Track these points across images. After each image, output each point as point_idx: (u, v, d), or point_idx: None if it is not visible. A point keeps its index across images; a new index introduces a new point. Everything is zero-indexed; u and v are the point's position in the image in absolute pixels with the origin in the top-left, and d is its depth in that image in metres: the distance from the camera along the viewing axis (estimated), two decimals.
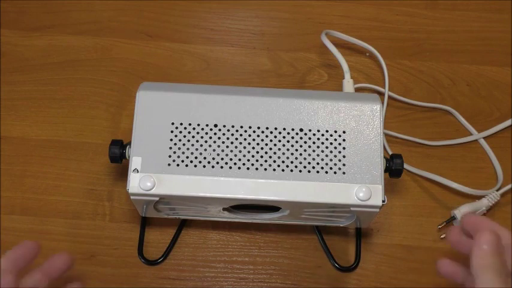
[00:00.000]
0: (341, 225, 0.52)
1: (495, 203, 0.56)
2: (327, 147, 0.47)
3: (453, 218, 0.55)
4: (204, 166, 0.46)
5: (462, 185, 0.56)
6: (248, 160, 0.46)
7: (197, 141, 0.46)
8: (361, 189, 0.45)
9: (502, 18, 0.67)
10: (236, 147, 0.46)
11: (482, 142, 0.60)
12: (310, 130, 0.47)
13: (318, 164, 0.46)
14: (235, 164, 0.46)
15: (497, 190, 0.56)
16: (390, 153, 0.58)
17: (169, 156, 0.46)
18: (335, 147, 0.47)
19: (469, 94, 0.63)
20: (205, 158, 0.46)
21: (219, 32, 0.65)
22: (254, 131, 0.47)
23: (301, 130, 0.47)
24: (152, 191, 0.45)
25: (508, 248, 0.39)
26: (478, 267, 0.37)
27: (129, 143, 0.47)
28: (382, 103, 0.52)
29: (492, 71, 0.64)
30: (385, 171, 0.48)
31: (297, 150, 0.46)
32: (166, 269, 0.54)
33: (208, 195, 0.45)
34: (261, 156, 0.46)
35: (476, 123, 0.61)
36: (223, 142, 0.46)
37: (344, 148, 0.47)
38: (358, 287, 0.53)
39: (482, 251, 0.37)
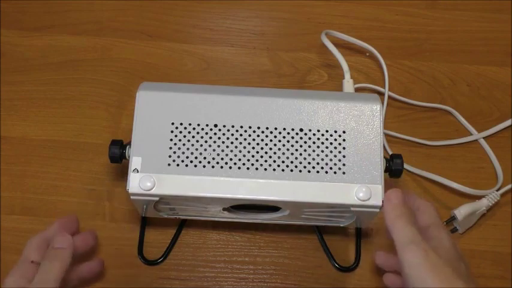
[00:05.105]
0: (341, 225, 0.52)
1: (495, 203, 0.56)
2: (327, 147, 0.47)
3: (453, 218, 0.55)
4: (204, 166, 0.46)
5: (462, 185, 0.56)
6: (248, 160, 0.46)
7: (197, 141, 0.46)
8: (361, 189, 0.45)
9: (502, 18, 0.67)
10: (236, 147, 0.46)
11: (482, 142, 0.60)
12: (310, 130, 0.47)
13: (318, 164, 0.46)
14: (235, 164, 0.46)
15: (497, 190, 0.56)
16: (390, 153, 0.58)
17: (169, 156, 0.46)
18: (335, 147, 0.47)
19: (469, 94, 0.63)
20: (205, 158, 0.46)
21: (219, 32, 0.65)
22: (254, 131, 0.47)
23: (301, 130, 0.47)
24: (152, 191, 0.45)
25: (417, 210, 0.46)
26: (392, 218, 0.42)
27: (129, 143, 0.47)
28: (382, 103, 0.52)
29: (492, 71, 0.64)
30: (385, 171, 0.48)
31: (297, 150, 0.46)
32: (166, 269, 0.54)
33: (208, 195, 0.45)
34: (261, 156, 0.46)
35: (476, 123, 0.61)
36: (223, 142, 0.46)
37: (344, 148, 0.47)
38: (358, 287, 0.54)
39: (393, 204, 0.43)
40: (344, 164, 0.46)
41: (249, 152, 0.46)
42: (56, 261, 0.44)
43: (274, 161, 0.46)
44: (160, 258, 0.54)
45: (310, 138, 0.47)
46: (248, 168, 0.46)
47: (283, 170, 0.46)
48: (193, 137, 0.46)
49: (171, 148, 0.46)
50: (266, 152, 0.46)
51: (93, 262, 0.52)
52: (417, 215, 0.45)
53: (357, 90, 0.60)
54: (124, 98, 0.61)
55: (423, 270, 0.39)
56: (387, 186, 0.45)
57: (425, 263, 0.39)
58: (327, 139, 0.47)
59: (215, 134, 0.47)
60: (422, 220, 0.45)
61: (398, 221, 0.42)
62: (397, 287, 0.49)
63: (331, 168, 0.46)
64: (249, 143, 0.46)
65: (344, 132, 0.47)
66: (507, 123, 0.61)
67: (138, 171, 0.45)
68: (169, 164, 0.46)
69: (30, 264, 0.45)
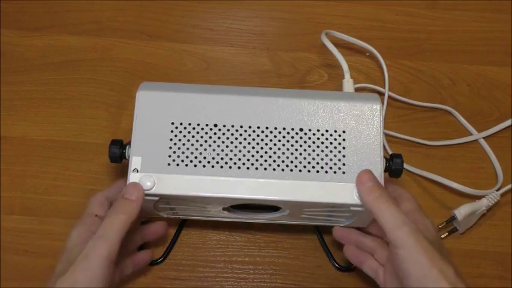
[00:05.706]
0: (341, 225, 0.52)
1: (495, 203, 0.56)
2: (326, 147, 0.47)
3: (453, 218, 0.55)
4: (204, 166, 0.46)
5: (462, 185, 0.56)
6: (248, 160, 0.46)
7: (197, 141, 0.46)
8: None
9: (502, 18, 0.67)
10: (236, 147, 0.46)
11: (482, 142, 0.60)
12: (310, 130, 0.47)
13: (317, 163, 0.46)
14: (235, 163, 0.46)
15: (497, 190, 0.56)
16: (390, 153, 0.58)
17: (169, 156, 0.46)
18: (335, 147, 0.47)
19: (469, 94, 0.63)
20: (205, 157, 0.46)
21: (219, 32, 0.65)
22: (254, 131, 0.47)
23: (301, 130, 0.47)
24: (152, 191, 0.45)
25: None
26: (372, 201, 0.43)
27: (129, 143, 0.47)
28: (382, 103, 0.52)
29: (492, 71, 0.64)
30: (385, 171, 0.48)
31: (296, 150, 0.46)
32: (166, 269, 0.54)
33: (208, 195, 0.45)
34: (261, 156, 0.46)
35: (476, 123, 0.61)
36: (223, 142, 0.46)
37: (344, 148, 0.47)
38: (358, 287, 0.53)
39: (368, 186, 0.43)
40: (344, 164, 0.46)
41: (248, 151, 0.46)
42: (122, 213, 0.43)
43: (274, 161, 0.46)
44: (160, 258, 0.54)
45: (310, 138, 0.47)
46: (248, 168, 0.46)
47: (283, 170, 0.46)
48: (193, 136, 0.46)
49: (171, 148, 0.46)
50: (266, 152, 0.46)
51: (158, 224, 0.53)
52: (399, 202, 0.46)
53: (357, 90, 0.60)
54: (124, 98, 0.61)
55: (416, 250, 0.40)
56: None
57: (417, 243, 0.40)
58: (326, 139, 0.47)
59: (215, 133, 0.47)
60: (404, 206, 0.46)
61: (381, 203, 0.42)
62: (358, 259, 0.49)
63: (331, 168, 0.46)
64: (249, 143, 0.46)
65: (344, 132, 0.47)
66: (507, 123, 0.61)
67: (138, 171, 0.45)
68: (169, 164, 0.46)
69: (95, 218, 0.45)
